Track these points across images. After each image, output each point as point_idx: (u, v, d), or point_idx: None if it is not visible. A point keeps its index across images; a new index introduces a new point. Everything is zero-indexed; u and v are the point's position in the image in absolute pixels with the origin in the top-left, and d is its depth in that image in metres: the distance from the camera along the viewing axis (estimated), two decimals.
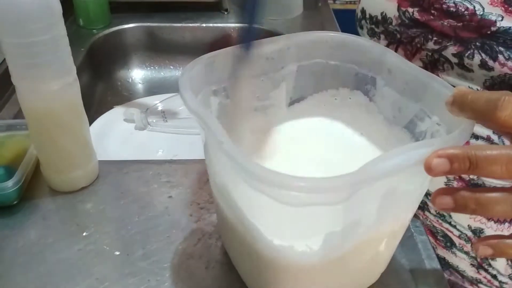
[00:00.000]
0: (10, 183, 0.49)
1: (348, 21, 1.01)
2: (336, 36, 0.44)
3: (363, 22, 0.55)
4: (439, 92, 0.36)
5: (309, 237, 0.34)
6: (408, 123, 0.41)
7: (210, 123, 0.33)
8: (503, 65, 0.42)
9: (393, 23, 0.50)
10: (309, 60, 0.45)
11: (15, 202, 0.51)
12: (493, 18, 0.42)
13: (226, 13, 1.02)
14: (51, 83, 0.46)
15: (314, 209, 0.31)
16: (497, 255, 0.33)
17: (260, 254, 0.36)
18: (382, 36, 0.53)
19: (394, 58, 0.41)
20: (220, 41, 0.98)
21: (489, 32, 0.43)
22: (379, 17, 0.52)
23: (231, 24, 0.99)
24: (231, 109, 0.44)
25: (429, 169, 0.29)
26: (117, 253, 0.47)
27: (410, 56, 0.51)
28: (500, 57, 0.42)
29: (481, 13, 0.43)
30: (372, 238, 0.37)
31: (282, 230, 0.34)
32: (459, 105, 0.32)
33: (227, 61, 0.42)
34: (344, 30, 0.87)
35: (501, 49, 0.42)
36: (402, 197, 0.36)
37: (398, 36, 0.51)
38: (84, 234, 0.49)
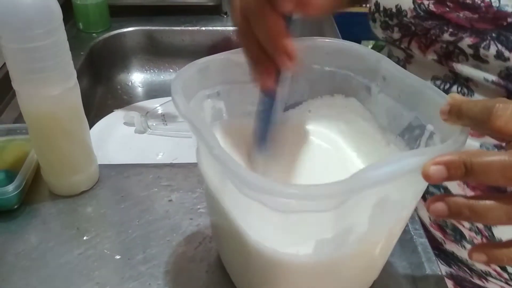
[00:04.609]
0: (10, 187, 0.49)
1: (347, 24, 1.02)
2: (332, 42, 0.44)
3: (376, 15, 0.56)
4: (433, 100, 0.36)
5: (300, 244, 0.34)
6: (403, 131, 0.41)
7: (201, 128, 0.33)
8: None
9: (408, 16, 0.51)
10: (304, 65, 0.45)
11: (15, 207, 0.51)
12: (509, 10, 0.43)
13: (225, 16, 1.03)
14: (51, 87, 0.46)
15: (305, 215, 0.31)
16: (491, 262, 0.33)
17: (251, 260, 0.36)
18: (396, 29, 0.53)
19: (389, 66, 0.41)
20: (220, 45, 0.99)
21: (505, 24, 0.43)
22: (394, 10, 0.52)
23: (230, 28, 0.99)
24: (224, 114, 0.44)
25: (427, 177, 0.30)
26: (118, 257, 0.47)
27: (424, 48, 0.51)
28: None
29: (497, 5, 0.44)
30: (364, 245, 0.37)
31: (273, 236, 0.34)
32: (456, 113, 0.33)
33: (221, 66, 0.42)
34: (343, 33, 0.87)
35: None
36: (395, 206, 0.36)
37: (413, 28, 0.51)
38: (85, 238, 0.49)
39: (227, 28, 0.99)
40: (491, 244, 0.33)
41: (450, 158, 0.30)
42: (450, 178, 0.30)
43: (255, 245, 0.35)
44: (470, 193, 0.51)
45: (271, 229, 0.34)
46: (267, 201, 0.30)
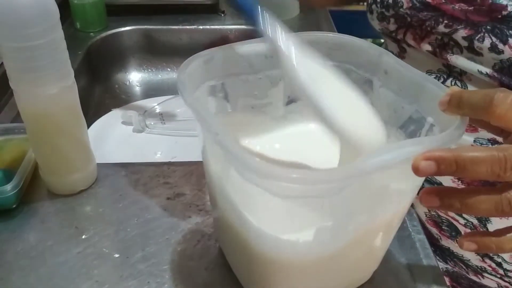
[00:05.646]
0: (8, 186, 0.49)
1: (345, 22, 1.02)
2: (334, 37, 0.45)
3: (373, 6, 0.56)
4: (433, 93, 0.36)
5: (300, 231, 0.35)
6: (403, 124, 0.41)
7: (205, 115, 0.33)
8: None
9: (404, 7, 0.51)
10: None
11: (14, 206, 0.51)
12: (505, 2, 0.43)
13: (223, 15, 1.03)
14: (49, 86, 0.46)
15: (304, 202, 0.32)
16: (481, 250, 0.33)
17: (252, 248, 0.36)
18: (392, 20, 0.53)
19: (390, 59, 0.41)
20: (218, 43, 0.98)
21: (500, 16, 0.43)
22: (390, 1, 0.52)
23: (228, 26, 0.99)
24: (228, 106, 0.44)
25: (417, 170, 0.30)
26: (117, 255, 0.47)
27: (419, 40, 0.51)
28: (510, 40, 0.43)
29: None
30: (364, 234, 0.37)
31: (274, 222, 0.35)
32: (456, 102, 0.33)
33: (226, 57, 0.42)
34: (340, 31, 0.88)
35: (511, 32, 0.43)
36: (395, 195, 0.36)
37: (409, 19, 0.51)
38: (83, 237, 0.49)
39: (225, 26, 0.99)
40: (481, 232, 0.34)
41: (441, 154, 0.30)
42: (439, 173, 0.30)
43: (256, 232, 0.35)
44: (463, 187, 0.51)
45: (272, 215, 0.34)
46: (269, 185, 0.30)
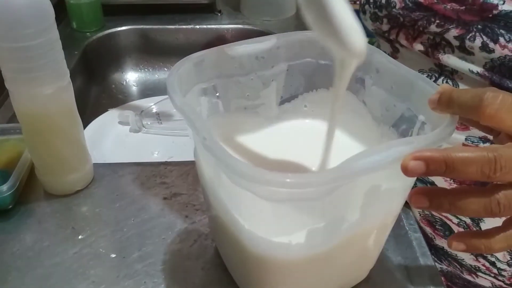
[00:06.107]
0: (5, 187, 0.49)
1: None
2: None
3: (366, 6, 0.56)
4: (425, 91, 0.36)
5: (292, 233, 0.34)
6: (395, 122, 0.41)
7: (194, 119, 0.33)
8: (503, 47, 0.43)
9: (397, 7, 0.51)
10: (299, 59, 0.45)
11: (10, 206, 0.51)
12: (495, 1, 0.43)
13: (219, 14, 1.03)
14: (44, 87, 0.46)
15: (295, 204, 0.32)
16: (470, 251, 0.33)
17: (245, 250, 0.36)
18: (385, 20, 0.54)
19: (382, 58, 0.41)
20: (214, 43, 0.99)
21: (490, 16, 0.44)
22: (383, 1, 0.53)
23: (224, 26, 0.99)
24: (221, 108, 0.44)
25: (406, 170, 0.30)
26: (113, 255, 0.47)
27: (411, 40, 0.51)
28: (501, 39, 0.43)
29: None
30: (357, 234, 0.37)
31: (265, 225, 0.35)
32: (446, 101, 0.33)
33: (217, 59, 0.42)
34: None
35: (502, 31, 0.43)
36: (387, 195, 0.36)
37: (401, 19, 0.51)
38: (80, 237, 0.49)
39: (221, 26, 0.99)
40: (470, 233, 0.34)
41: (430, 154, 0.30)
42: (428, 173, 0.30)
43: (248, 235, 0.35)
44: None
45: (263, 218, 0.34)
46: (258, 190, 0.30)
